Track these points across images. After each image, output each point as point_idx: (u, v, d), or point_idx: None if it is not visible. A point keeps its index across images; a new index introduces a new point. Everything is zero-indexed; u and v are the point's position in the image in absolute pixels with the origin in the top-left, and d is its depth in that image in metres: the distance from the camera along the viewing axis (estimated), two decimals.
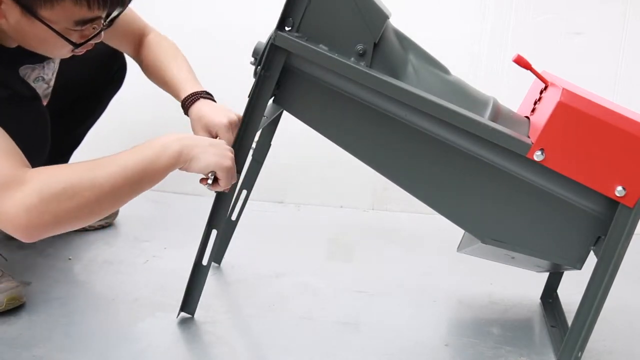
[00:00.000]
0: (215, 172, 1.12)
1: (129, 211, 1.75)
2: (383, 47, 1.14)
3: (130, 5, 1.17)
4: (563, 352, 1.16)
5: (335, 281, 1.49)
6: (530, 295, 1.46)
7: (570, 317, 1.22)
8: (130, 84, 1.65)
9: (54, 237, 1.59)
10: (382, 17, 1.11)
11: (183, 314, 1.28)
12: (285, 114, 1.27)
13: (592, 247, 1.16)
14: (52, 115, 1.29)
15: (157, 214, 1.84)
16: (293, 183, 1.98)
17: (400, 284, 1.49)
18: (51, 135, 1.26)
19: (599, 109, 1.08)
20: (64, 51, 1.14)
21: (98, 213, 1.04)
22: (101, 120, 1.67)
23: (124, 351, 1.17)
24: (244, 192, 1.49)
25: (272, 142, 1.45)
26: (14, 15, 1.06)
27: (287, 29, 1.12)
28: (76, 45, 1.12)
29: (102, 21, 1.13)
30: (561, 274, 1.43)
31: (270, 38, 1.11)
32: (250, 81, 1.15)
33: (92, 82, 1.57)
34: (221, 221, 1.22)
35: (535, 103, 1.22)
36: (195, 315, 1.29)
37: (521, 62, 1.14)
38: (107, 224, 1.71)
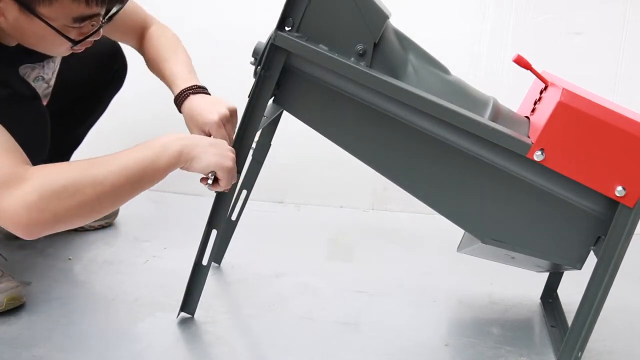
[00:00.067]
0: (215, 172, 1.12)
1: (129, 211, 1.75)
2: (383, 47, 1.14)
3: None
4: (563, 352, 1.16)
5: (335, 281, 1.49)
6: (530, 295, 1.46)
7: (570, 317, 1.22)
8: (131, 83, 1.65)
9: (53, 237, 1.60)
10: (382, 17, 1.11)
11: (183, 314, 1.28)
12: (285, 114, 1.27)
13: (592, 247, 1.16)
14: (52, 115, 1.29)
15: (157, 214, 1.84)
16: (293, 183, 1.98)
17: (400, 284, 1.49)
18: (51, 135, 1.26)
19: (599, 109, 1.08)
20: (63, 49, 1.14)
21: (98, 211, 1.04)
22: (102, 120, 1.68)
23: (124, 351, 1.17)
24: (244, 192, 1.49)
25: (272, 142, 1.45)
26: (12, 12, 1.06)
27: (287, 29, 1.12)
28: (75, 43, 1.12)
29: (101, 18, 1.13)
30: (561, 274, 1.43)
31: (270, 38, 1.11)
32: (250, 81, 1.15)
33: (92, 82, 1.57)
34: (221, 221, 1.22)
35: (535, 103, 1.22)
36: (195, 315, 1.29)
37: (521, 62, 1.14)
38: (107, 224, 1.71)
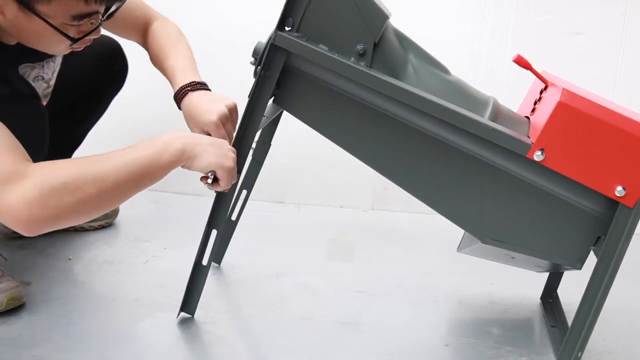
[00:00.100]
0: (215, 172, 1.12)
1: (129, 211, 1.75)
2: (383, 47, 1.14)
3: None
4: (563, 352, 1.16)
5: (335, 281, 1.49)
6: (530, 295, 1.46)
7: (570, 317, 1.22)
8: (131, 83, 1.65)
9: (53, 237, 1.60)
10: (382, 17, 1.11)
11: (183, 314, 1.28)
12: (285, 114, 1.27)
13: (592, 247, 1.16)
14: (53, 115, 1.29)
15: (157, 214, 1.84)
16: (293, 183, 1.98)
17: (400, 284, 1.49)
18: (52, 135, 1.26)
19: (599, 109, 1.08)
20: (62, 47, 1.14)
21: (99, 208, 1.04)
22: (102, 120, 1.68)
23: (124, 351, 1.17)
24: (244, 192, 1.49)
25: (272, 142, 1.45)
26: (11, 10, 1.06)
27: (287, 29, 1.12)
28: (74, 41, 1.12)
29: (100, 16, 1.13)
30: (561, 274, 1.43)
31: (270, 38, 1.11)
32: (250, 81, 1.15)
33: (93, 82, 1.57)
34: (221, 221, 1.22)
35: (535, 103, 1.22)
36: (195, 315, 1.29)
37: (521, 62, 1.14)
38: (107, 224, 1.71)
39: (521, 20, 1.86)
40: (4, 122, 1.03)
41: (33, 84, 1.27)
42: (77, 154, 1.66)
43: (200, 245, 1.23)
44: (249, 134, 1.18)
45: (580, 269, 1.19)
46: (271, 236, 1.73)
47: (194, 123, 1.23)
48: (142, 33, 1.42)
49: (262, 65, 1.12)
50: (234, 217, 1.50)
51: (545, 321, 1.36)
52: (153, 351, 1.18)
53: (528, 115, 1.23)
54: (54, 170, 1.00)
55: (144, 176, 1.05)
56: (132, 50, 1.62)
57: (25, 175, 0.98)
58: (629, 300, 1.45)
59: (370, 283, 1.48)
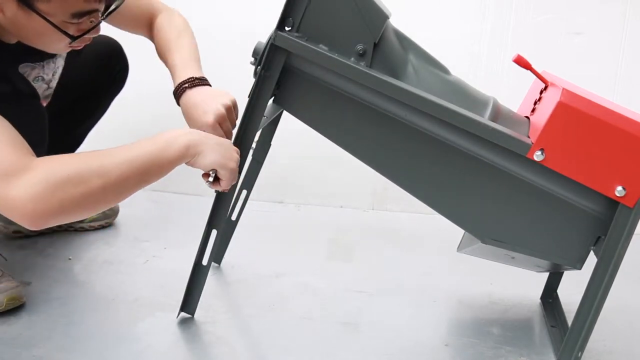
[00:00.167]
0: (216, 171, 1.12)
1: (129, 211, 1.75)
2: (383, 47, 1.14)
3: None
4: (563, 352, 1.16)
5: (335, 281, 1.49)
6: (530, 295, 1.46)
7: (570, 317, 1.22)
8: (132, 84, 1.65)
9: (53, 237, 1.61)
10: (382, 17, 1.11)
11: (183, 314, 1.28)
12: (285, 114, 1.27)
13: (592, 247, 1.16)
14: (53, 115, 1.29)
15: (157, 214, 1.84)
16: (293, 183, 1.98)
17: (400, 284, 1.49)
18: (51, 135, 1.26)
19: (599, 109, 1.08)
20: (62, 45, 1.14)
21: (103, 203, 1.04)
22: (103, 120, 1.68)
23: (124, 351, 1.17)
24: (244, 192, 1.49)
25: (272, 142, 1.45)
26: (10, 8, 1.06)
27: (287, 29, 1.12)
28: (73, 39, 1.12)
29: (100, 14, 1.13)
30: (561, 274, 1.43)
31: (270, 38, 1.11)
32: (250, 81, 1.15)
33: (93, 82, 1.57)
34: (221, 221, 1.22)
35: (535, 103, 1.22)
36: (195, 315, 1.29)
37: (521, 62, 1.14)
38: (107, 224, 1.71)
39: (521, 20, 1.86)
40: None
41: (33, 84, 1.27)
42: None
43: (200, 245, 1.23)
44: (249, 134, 1.18)
45: (580, 269, 1.19)
46: (271, 236, 1.73)
47: (191, 123, 1.23)
48: (148, 26, 1.41)
49: (262, 65, 1.12)
50: (234, 217, 1.50)
51: (545, 321, 1.36)
52: (153, 351, 1.18)
53: (528, 115, 1.23)
54: (58, 164, 1.00)
55: (149, 171, 1.05)
56: (132, 50, 1.62)
57: (30, 168, 0.98)
58: (629, 300, 1.45)
59: (370, 283, 1.48)
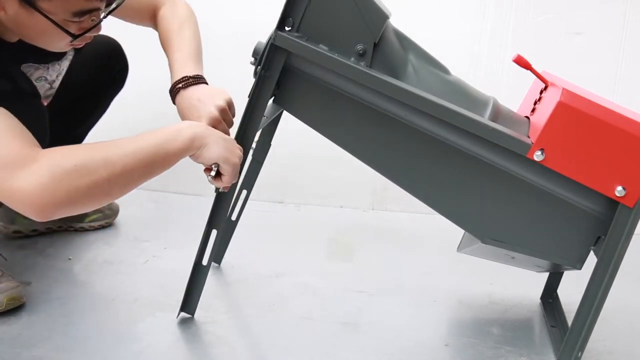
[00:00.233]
0: (219, 166, 1.11)
1: (129, 211, 1.75)
2: (383, 47, 1.14)
3: None
4: (563, 352, 1.16)
5: (335, 281, 1.49)
6: (530, 295, 1.46)
7: (570, 317, 1.22)
8: (131, 83, 1.65)
9: (53, 237, 1.61)
10: (382, 17, 1.11)
11: (183, 314, 1.28)
12: (285, 113, 1.27)
13: (592, 247, 1.16)
14: (53, 115, 1.29)
15: (157, 214, 1.84)
16: (293, 183, 1.98)
17: (400, 284, 1.49)
18: (51, 135, 1.26)
19: (599, 109, 1.08)
20: (63, 43, 1.14)
21: (109, 194, 1.04)
22: (103, 120, 1.68)
23: (124, 351, 1.17)
24: (244, 192, 1.49)
25: (272, 142, 1.45)
26: (12, 6, 1.06)
27: (287, 29, 1.12)
28: (74, 37, 1.12)
29: (101, 13, 1.13)
30: (561, 274, 1.43)
31: (270, 38, 1.11)
32: (250, 81, 1.15)
33: (93, 82, 1.57)
34: (221, 221, 1.22)
35: (535, 103, 1.22)
36: (195, 315, 1.29)
37: (521, 62, 1.14)
38: (107, 224, 1.71)
39: (521, 20, 1.86)
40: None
41: (35, 84, 1.27)
42: None
43: (200, 245, 1.23)
44: (249, 134, 1.18)
45: (580, 269, 1.19)
46: (271, 236, 1.73)
47: None
48: (152, 18, 1.40)
49: (262, 65, 1.12)
50: (234, 217, 1.50)
51: (545, 321, 1.36)
52: (153, 351, 1.18)
53: (528, 115, 1.23)
54: (64, 155, 1.00)
55: (154, 163, 1.05)
56: (132, 50, 1.62)
57: (36, 159, 0.98)
58: (629, 300, 1.45)
59: (370, 283, 1.48)
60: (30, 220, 1.03)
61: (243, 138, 1.18)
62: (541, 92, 1.21)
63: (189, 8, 1.40)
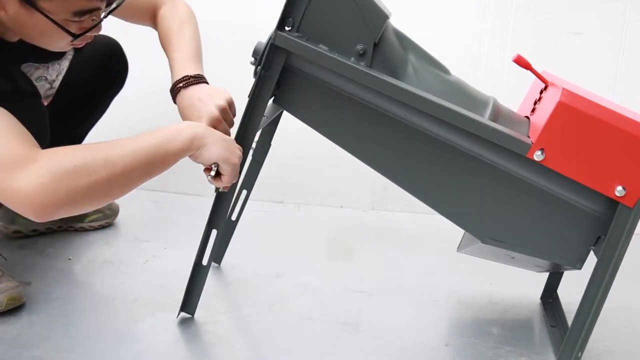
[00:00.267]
0: (219, 165, 1.11)
1: (129, 211, 1.75)
2: (383, 47, 1.14)
3: None
4: (563, 352, 1.16)
5: (335, 281, 1.49)
6: (530, 295, 1.46)
7: (570, 317, 1.22)
8: (131, 83, 1.65)
9: (53, 237, 1.60)
10: (382, 17, 1.11)
11: (183, 314, 1.28)
12: (285, 113, 1.27)
13: (592, 247, 1.16)
14: (53, 115, 1.29)
15: (157, 214, 1.84)
16: (293, 183, 1.98)
17: (400, 284, 1.49)
18: (51, 135, 1.26)
19: (599, 109, 1.08)
20: (63, 43, 1.14)
21: (109, 195, 1.04)
22: (103, 120, 1.68)
23: (124, 351, 1.17)
24: (244, 192, 1.49)
25: (272, 142, 1.45)
26: (13, 6, 1.06)
27: (287, 29, 1.12)
28: (75, 37, 1.12)
29: (102, 12, 1.13)
30: (561, 274, 1.43)
31: (270, 38, 1.11)
32: (250, 81, 1.15)
33: (93, 82, 1.57)
34: (221, 221, 1.22)
35: (535, 103, 1.22)
36: (195, 315, 1.29)
37: (521, 62, 1.14)
38: (107, 224, 1.71)
39: (521, 20, 1.86)
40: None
41: (35, 84, 1.27)
42: None
43: (200, 245, 1.23)
44: (249, 134, 1.18)
45: (580, 269, 1.19)
46: (271, 236, 1.73)
47: None
48: (152, 18, 1.40)
49: (262, 65, 1.12)
50: (234, 217, 1.50)
51: (545, 321, 1.36)
52: (153, 351, 1.18)
53: (528, 115, 1.23)
54: (64, 155, 1.00)
55: (154, 163, 1.05)
56: (132, 50, 1.62)
57: (35, 160, 0.98)
58: (629, 300, 1.45)
59: (370, 283, 1.48)
60: (30, 220, 1.03)
61: (243, 138, 1.18)
62: (541, 92, 1.21)
63: (189, 8, 1.41)
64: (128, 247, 1.61)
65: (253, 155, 1.45)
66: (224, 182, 1.14)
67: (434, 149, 1.15)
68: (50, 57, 1.27)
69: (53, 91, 1.38)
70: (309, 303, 1.38)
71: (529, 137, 1.13)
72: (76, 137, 1.66)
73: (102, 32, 1.19)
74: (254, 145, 1.21)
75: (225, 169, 1.11)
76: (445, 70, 1.21)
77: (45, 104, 1.35)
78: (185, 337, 1.23)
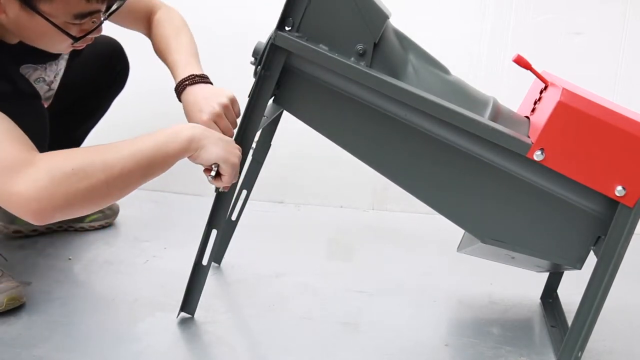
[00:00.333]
0: (219, 166, 1.11)
1: (129, 211, 1.75)
2: (383, 47, 1.14)
3: None
4: (563, 352, 1.16)
5: (335, 281, 1.49)
6: (530, 295, 1.46)
7: (570, 317, 1.22)
8: (132, 83, 1.65)
9: (54, 237, 1.61)
10: (382, 17, 1.11)
11: (183, 314, 1.28)
12: (285, 113, 1.27)
13: (592, 247, 1.16)
14: (53, 115, 1.29)
15: (157, 214, 1.84)
16: (293, 183, 1.98)
17: (400, 284, 1.49)
18: (52, 136, 1.26)
19: (599, 109, 1.08)
20: (64, 45, 1.15)
21: (108, 197, 1.04)
22: (103, 120, 1.68)
23: (124, 351, 1.17)
24: (244, 192, 1.49)
25: (272, 142, 1.45)
26: (13, 9, 1.07)
27: (287, 28, 1.12)
28: (75, 39, 1.12)
29: (102, 14, 1.13)
30: (561, 274, 1.43)
31: (270, 38, 1.11)
32: (250, 81, 1.15)
33: (94, 82, 1.57)
34: (221, 221, 1.22)
35: (535, 103, 1.22)
36: (195, 315, 1.29)
37: (521, 62, 1.14)
38: (107, 224, 1.71)
39: (521, 20, 1.86)
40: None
41: (34, 85, 1.27)
42: None
43: (200, 245, 1.23)
44: (249, 134, 1.18)
45: (580, 269, 1.19)
46: (271, 236, 1.73)
47: (189, 120, 1.24)
48: (146, 23, 1.42)
49: (262, 65, 1.12)
50: (234, 217, 1.50)
51: (545, 321, 1.36)
52: (153, 351, 1.18)
53: (528, 115, 1.23)
54: (62, 159, 1.00)
55: (152, 165, 1.05)
56: (133, 50, 1.62)
57: (33, 163, 0.98)
58: (629, 300, 1.45)
59: (370, 283, 1.48)
60: None
61: (243, 138, 1.18)
62: (541, 92, 1.21)
63: (182, 17, 1.43)
64: (128, 247, 1.61)
65: (253, 155, 1.45)
66: (224, 182, 1.14)
67: (434, 148, 1.15)
68: (47, 57, 1.27)
69: (52, 93, 1.38)
70: (309, 303, 1.38)
71: (529, 137, 1.13)
72: (76, 138, 1.66)
73: (103, 33, 1.19)
74: (254, 145, 1.21)
75: (225, 169, 1.12)
76: (445, 70, 1.21)
77: (46, 106, 1.35)
78: (185, 337, 1.23)
